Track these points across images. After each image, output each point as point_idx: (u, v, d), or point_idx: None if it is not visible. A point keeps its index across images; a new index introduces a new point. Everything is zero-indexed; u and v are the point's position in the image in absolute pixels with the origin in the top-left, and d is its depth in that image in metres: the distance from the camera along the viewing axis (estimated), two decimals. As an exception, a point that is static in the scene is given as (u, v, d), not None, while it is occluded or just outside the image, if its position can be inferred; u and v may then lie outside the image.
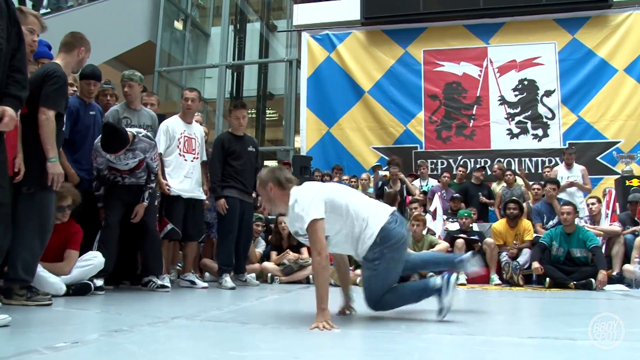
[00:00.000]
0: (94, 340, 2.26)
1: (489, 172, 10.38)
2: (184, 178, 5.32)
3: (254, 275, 6.07)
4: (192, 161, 5.44)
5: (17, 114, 2.70)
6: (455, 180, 9.23)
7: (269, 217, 6.97)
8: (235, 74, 14.70)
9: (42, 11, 10.07)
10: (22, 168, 3.19)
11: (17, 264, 3.28)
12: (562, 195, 7.83)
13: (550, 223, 7.25)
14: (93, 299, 3.96)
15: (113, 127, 4.30)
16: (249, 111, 14.09)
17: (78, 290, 3.98)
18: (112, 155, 4.38)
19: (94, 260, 4.18)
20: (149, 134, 4.72)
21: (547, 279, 6.29)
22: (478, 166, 10.32)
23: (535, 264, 6.34)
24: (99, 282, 4.30)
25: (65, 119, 4.27)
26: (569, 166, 8.74)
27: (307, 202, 2.90)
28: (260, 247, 6.81)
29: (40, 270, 3.60)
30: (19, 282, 3.30)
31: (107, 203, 4.62)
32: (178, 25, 14.87)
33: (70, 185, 4.24)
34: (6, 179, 2.78)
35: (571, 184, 8.39)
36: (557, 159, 10.32)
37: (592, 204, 7.42)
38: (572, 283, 6.12)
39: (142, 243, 4.82)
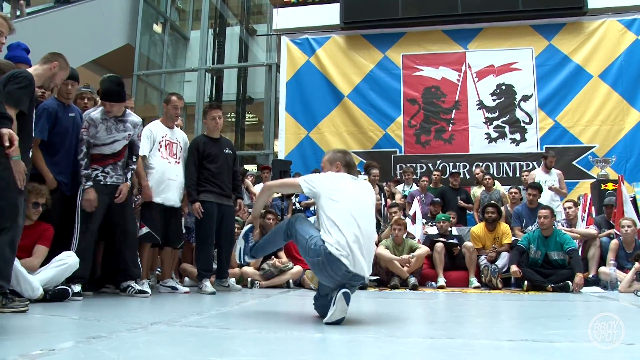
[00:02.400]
0: (71, 347, 2.22)
1: (467, 177, 10.49)
2: (168, 180, 5.20)
3: (233, 280, 6.03)
4: (174, 165, 5.33)
5: None
6: (431, 185, 9.29)
7: (248, 220, 6.91)
8: (214, 77, 14.65)
9: None
10: None
11: None
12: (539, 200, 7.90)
13: (530, 228, 7.27)
14: (71, 305, 3.89)
15: (119, 78, 4.67)
16: (229, 115, 14.04)
17: (55, 295, 3.91)
18: (112, 115, 4.56)
19: (68, 259, 4.10)
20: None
21: (526, 282, 6.36)
22: (454, 171, 10.43)
23: (514, 267, 6.40)
24: (77, 288, 4.23)
25: (43, 121, 4.21)
26: (548, 169, 8.81)
27: None
28: (239, 251, 6.76)
29: (17, 264, 3.52)
30: None
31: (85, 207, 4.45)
32: (157, 28, 14.79)
33: (46, 187, 4.19)
34: None
35: (549, 189, 8.46)
36: (535, 163, 10.47)
37: (569, 207, 7.53)
38: (549, 286, 6.19)
39: (119, 246, 4.67)
